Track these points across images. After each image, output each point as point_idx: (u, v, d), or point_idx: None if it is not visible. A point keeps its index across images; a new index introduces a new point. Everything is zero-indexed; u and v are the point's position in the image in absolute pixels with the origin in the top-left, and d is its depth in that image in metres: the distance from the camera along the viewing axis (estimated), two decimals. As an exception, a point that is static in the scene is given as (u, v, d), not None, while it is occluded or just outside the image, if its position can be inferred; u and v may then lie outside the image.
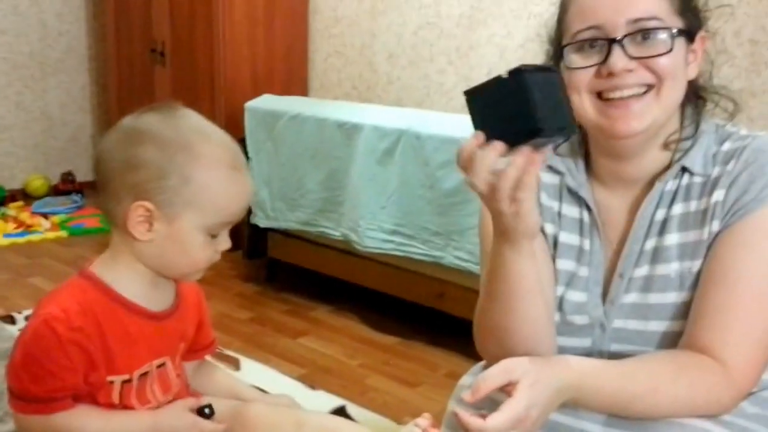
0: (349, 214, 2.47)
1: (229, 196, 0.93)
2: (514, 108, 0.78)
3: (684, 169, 1.01)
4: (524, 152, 0.80)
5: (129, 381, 0.93)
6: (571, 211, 1.10)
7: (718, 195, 0.98)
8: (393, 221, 2.35)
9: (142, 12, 3.50)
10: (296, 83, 3.46)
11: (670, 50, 0.95)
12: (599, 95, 0.97)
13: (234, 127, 3.10)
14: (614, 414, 0.93)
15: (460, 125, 2.33)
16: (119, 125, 0.98)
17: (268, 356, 2.25)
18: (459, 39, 2.97)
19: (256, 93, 3.04)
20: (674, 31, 0.95)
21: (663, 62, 0.95)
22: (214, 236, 0.95)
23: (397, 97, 3.20)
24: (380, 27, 3.23)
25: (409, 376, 2.13)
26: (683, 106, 1.03)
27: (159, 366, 0.97)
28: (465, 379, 1.08)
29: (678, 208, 1.02)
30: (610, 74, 0.95)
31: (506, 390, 0.84)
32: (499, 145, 0.80)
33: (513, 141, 0.79)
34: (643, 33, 0.94)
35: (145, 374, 0.95)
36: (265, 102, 2.85)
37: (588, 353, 1.06)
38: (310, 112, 2.63)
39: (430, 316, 2.36)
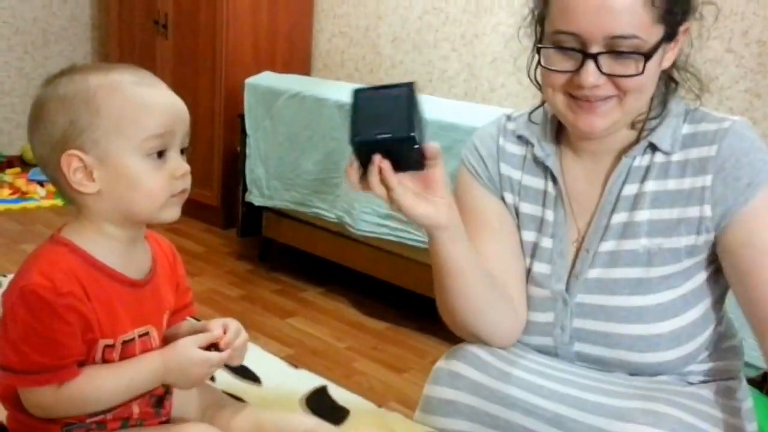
0: (344, 196, 2.45)
1: (143, 107, 0.88)
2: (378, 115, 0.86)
3: (653, 147, 1.02)
4: (374, 159, 0.87)
5: (112, 346, 0.92)
6: (533, 181, 1.10)
7: (704, 180, 0.99)
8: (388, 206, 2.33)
9: (146, -18, 3.46)
10: (299, 62, 3.43)
11: (642, 72, 0.95)
12: (569, 93, 0.99)
13: (234, 103, 3.09)
14: None
15: (459, 111, 2.31)
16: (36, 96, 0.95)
17: (257, 335, 2.24)
18: (464, 26, 2.94)
19: (258, 70, 3.01)
20: (648, 50, 0.95)
21: (631, 82, 0.96)
22: (158, 157, 0.90)
23: (399, 82, 3.16)
24: (386, 9, 3.19)
25: (396, 362, 2.12)
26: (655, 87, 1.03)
27: (142, 335, 0.96)
28: (441, 363, 1.08)
29: (651, 185, 1.02)
30: (579, 85, 0.96)
31: None
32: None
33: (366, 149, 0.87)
34: (617, 52, 0.94)
35: (128, 342, 0.94)
36: (266, 79, 2.82)
37: (550, 328, 1.07)
38: (310, 91, 2.61)
39: (421, 302, 2.35)
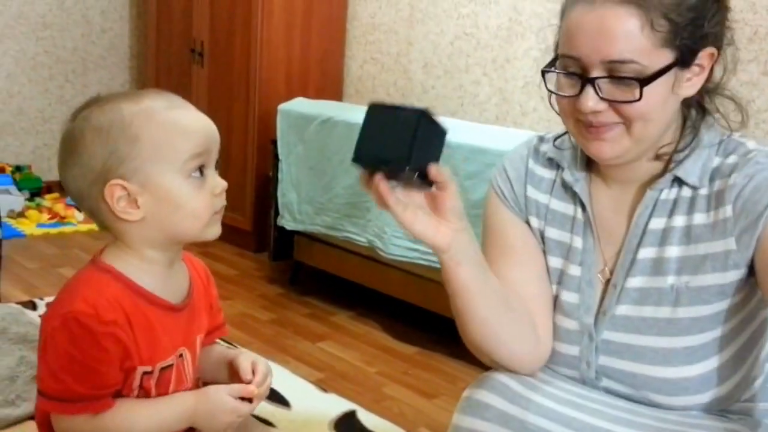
0: (375, 220, 2.46)
1: (179, 130, 0.90)
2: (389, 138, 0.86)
3: (679, 180, 0.99)
4: (377, 178, 0.88)
5: (150, 373, 0.92)
6: (561, 206, 1.08)
7: (726, 211, 0.95)
8: (419, 230, 2.33)
9: (183, 12, 3.54)
10: (331, 88, 3.47)
11: (639, 99, 0.92)
12: (578, 119, 0.98)
13: (266, 128, 3.13)
14: None
15: (491, 136, 2.31)
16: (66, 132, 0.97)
17: (287, 358, 2.24)
18: (495, 51, 2.95)
19: (290, 96, 3.05)
20: (648, 76, 0.91)
21: (631, 109, 0.93)
22: (198, 175, 0.91)
23: (431, 107, 3.17)
24: (417, 35, 3.22)
25: (427, 387, 2.10)
26: (684, 116, 1.01)
27: (178, 356, 0.97)
28: (469, 391, 1.05)
29: (680, 221, 0.99)
30: (581, 110, 0.95)
31: None
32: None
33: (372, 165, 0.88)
34: (616, 77, 0.92)
35: (165, 368, 0.94)
36: (298, 105, 2.86)
37: (576, 362, 1.04)
38: (342, 116, 2.63)
39: (452, 327, 2.33)
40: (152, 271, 0.94)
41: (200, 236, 0.94)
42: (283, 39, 3.27)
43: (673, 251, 0.98)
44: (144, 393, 0.93)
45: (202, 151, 0.92)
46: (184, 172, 0.90)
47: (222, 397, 0.95)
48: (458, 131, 2.31)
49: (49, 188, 4.06)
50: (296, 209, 2.78)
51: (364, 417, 1.17)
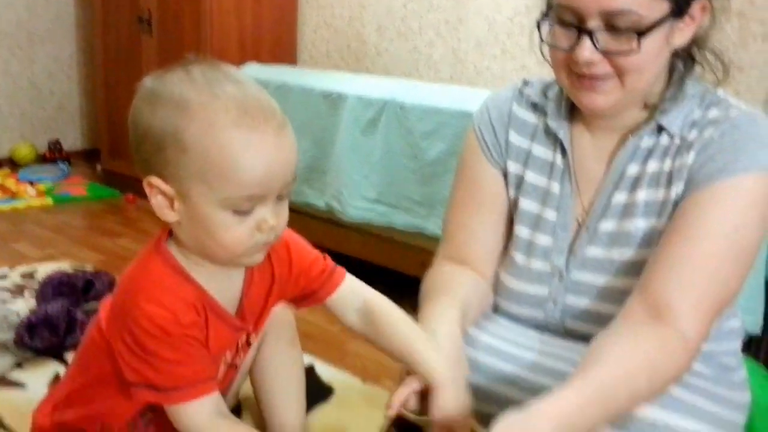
0: (332, 183, 2.47)
1: (234, 163, 0.77)
2: None
3: (661, 128, 1.01)
4: None
5: None
6: (542, 152, 1.09)
7: (688, 157, 0.97)
8: (376, 190, 2.35)
9: (129, -21, 3.46)
10: (284, 54, 3.43)
11: (636, 50, 0.92)
12: (571, 70, 0.98)
13: (221, 96, 3.09)
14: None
15: (445, 95, 2.33)
16: (140, 87, 0.84)
17: (250, 323, 2.25)
18: (448, 11, 2.95)
19: (243, 62, 3.02)
20: (646, 26, 0.91)
21: (627, 61, 0.94)
22: (245, 213, 0.79)
23: (385, 69, 3.18)
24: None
25: (389, 344, 2.14)
26: (671, 67, 1.02)
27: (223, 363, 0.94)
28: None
29: (652, 166, 1.01)
30: (576, 61, 0.95)
31: None
32: None
33: None
34: (613, 28, 0.92)
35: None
36: (251, 71, 2.83)
37: (543, 301, 1.06)
38: (297, 81, 2.62)
39: (414, 285, 2.36)
40: (210, 272, 0.86)
41: (235, 263, 0.86)
42: (233, 5, 3.22)
43: (642, 195, 1.00)
44: None
45: (254, 193, 0.79)
46: (224, 205, 0.79)
47: None
48: (413, 92, 2.33)
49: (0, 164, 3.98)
50: (254, 176, 2.76)
51: (322, 370, 1.18)
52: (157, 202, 0.81)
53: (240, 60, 3.17)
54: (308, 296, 1.00)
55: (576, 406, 0.83)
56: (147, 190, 0.81)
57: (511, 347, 1.05)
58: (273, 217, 0.82)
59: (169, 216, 0.81)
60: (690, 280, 0.92)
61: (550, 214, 1.07)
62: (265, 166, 0.79)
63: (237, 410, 1.05)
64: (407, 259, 2.33)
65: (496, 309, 1.14)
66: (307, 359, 1.15)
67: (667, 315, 0.91)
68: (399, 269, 2.37)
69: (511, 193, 1.12)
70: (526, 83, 1.14)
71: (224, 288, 0.89)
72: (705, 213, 0.94)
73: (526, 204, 1.09)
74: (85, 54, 4.33)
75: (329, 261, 1.00)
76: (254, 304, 0.93)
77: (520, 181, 1.10)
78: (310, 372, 1.15)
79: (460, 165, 1.16)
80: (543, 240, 1.07)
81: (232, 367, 0.96)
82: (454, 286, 1.06)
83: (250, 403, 1.04)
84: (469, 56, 2.92)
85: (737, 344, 1.08)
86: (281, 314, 1.12)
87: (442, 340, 0.95)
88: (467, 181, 1.14)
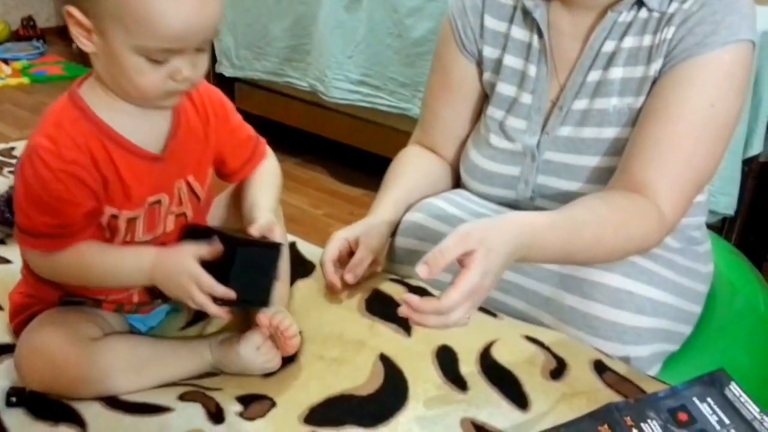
0: (315, 63, 2.40)
1: (157, 15, 0.76)
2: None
3: (641, 3, 0.98)
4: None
5: (116, 216, 0.88)
6: (520, 33, 1.08)
7: (668, 32, 0.96)
8: (360, 71, 2.29)
9: None
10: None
11: None
12: None
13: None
14: (554, 263, 0.95)
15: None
16: None
17: (234, 205, 2.25)
18: None
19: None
20: None
21: None
22: (159, 62, 0.79)
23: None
24: None
25: (372, 226, 2.16)
26: None
27: (152, 204, 0.90)
28: (405, 216, 1.13)
29: (629, 42, 0.99)
30: None
31: (460, 260, 0.78)
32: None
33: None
34: None
35: (132, 218, 0.89)
36: (229, -59, 2.68)
37: (515, 182, 1.08)
38: (277, -47, 2.49)
39: (397, 168, 2.36)
40: (125, 111, 0.85)
41: (148, 105, 0.85)
42: None
43: (617, 73, 1.00)
44: (111, 235, 0.90)
45: (170, 47, 0.78)
46: (139, 51, 0.78)
47: (183, 258, 0.84)
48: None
49: (-29, 43, 3.84)
50: (234, 54, 2.68)
51: (303, 247, 1.20)
52: (75, 31, 0.81)
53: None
54: (228, 174, 1.01)
55: (542, 225, 0.85)
56: (66, 18, 0.81)
57: (462, 212, 1.08)
58: (188, 69, 0.81)
59: (87, 47, 0.81)
60: (667, 160, 0.93)
61: (526, 98, 1.07)
62: (184, 21, 0.77)
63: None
64: (391, 142, 2.30)
65: (468, 190, 1.16)
66: (290, 238, 1.15)
67: (645, 192, 0.93)
68: (382, 153, 2.35)
69: (489, 77, 1.12)
70: None
71: (145, 129, 0.87)
72: (682, 90, 0.93)
73: (503, 87, 1.09)
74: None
75: (257, 142, 1.01)
76: (186, 146, 0.91)
77: (498, 65, 1.10)
78: (292, 247, 1.17)
79: (435, 52, 1.18)
80: (516, 123, 1.08)
81: (181, 216, 0.94)
82: (403, 176, 1.16)
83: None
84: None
85: (702, 218, 1.11)
86: (271, 160, 1.07)
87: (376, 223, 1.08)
88: (440, 70, 1.17)
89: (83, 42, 0.81)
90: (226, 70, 2.72)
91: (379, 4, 2.19)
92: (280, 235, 0.91)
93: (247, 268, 0.85)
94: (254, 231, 0.89)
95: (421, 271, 0.77)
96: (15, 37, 4.02)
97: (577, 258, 0.92)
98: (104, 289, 0.92)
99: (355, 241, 1.04)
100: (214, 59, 2.76)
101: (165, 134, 0.89)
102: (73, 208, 0.84)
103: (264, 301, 0.87)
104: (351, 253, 1.03)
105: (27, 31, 4.03)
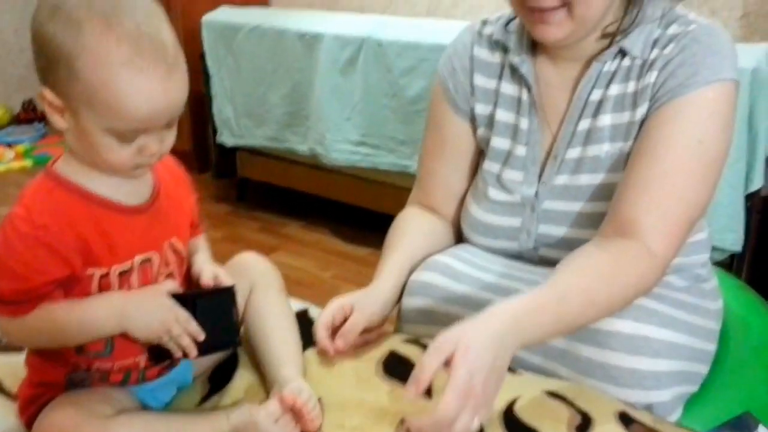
0: (314, 127, 2.44)
1: (124, 102, 0.80)
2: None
3: (623, 52, 1.01)
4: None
5: (106, 275, 0.88)
6: (510, 89, 1.10)
7: (651, 77, 0.98)
8: (359, 132, 2.33)
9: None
10: (256, -4, 3.34)
11: None
12: (524, 3, 0.98)
13: (193, 42, 3.00)
14: (558, 337, 0.94)
15: (422, 30, 2.28)
16: None
17: (241, 273, 2.26)
18: (421, -59, 2.87)
19: (215, 6, 2.93)
20: None
21: None
22: (128, 140, 0.83)
23: (360, 6, 3.11)
24: (340, -68, 3.10)
25: (381, 285, 2.15)
26: None
27: (143, 262, 0.91)
28: (413, 275, 1.12)
29: (615, 89, 1.02)
30: None
31: (446, 369, 0.77)
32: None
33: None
34: None
35: (126, 272, 0.90)
36: (224, 14, 2.76)
37: (516, 233, 1.09)
38: (270, 23, 2.56)
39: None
40: (102, 177, 0.87)
41: (119, 176, 0.88)
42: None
43: (606, 120, 1.02)
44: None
45: (137, 127, 0.82)
46: (113, 134, 0.82)
47: (159, 294, 0.87)
48: (390, 28, 2.28)
49: (-25, 128, 3.90)
50: (234, 124, 2.73)
51: (315, 312, 1.20)
52: (48, 110, 0.85)
53: (213, 4, 3.08)
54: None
55: (528, 309, 0.84)
56: (40, 99, 0.85)
57: (470, 268, 1.09)
58: (156, 144, 0.86)
59: (59, 123, 0.85)
60: (655, 196, 0.94)
61: (520, 150, 1.09)
62: (150, 108, 0.81)
63: (233, 362, 1.06)
64: (393, 200, 2.32)
65: (472, 245, 1.17)
66: (301, 304, 1.15)
67: (633, 231, 0.93)
68: (386, 211, 2.37)
69: (483, 132, 1.14)
70: (484, 23, 1.15)
71: (126, 188, 0.90)
72: (668, 129, 0.95)
73: (497, 141, 1.11)
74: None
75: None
76: (167, 206, 0.94)
77: (490, 121, 1.12)
78: (304, 315, 1.16)
79: (429, 112, 1.20)
80: (513, 175, 1.09)
81: (170, 276, 0.94)
82: (404, 239, 1.16)
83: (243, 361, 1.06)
84: (446, -13, 2.85)
85: (706, 255, 1.11)
86: (263, 263, 1.13)
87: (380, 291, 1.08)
88: (434, 129, 1.19)
89: (56, 119, 0.85)
90: (227, 139, 2.76)
91: (373, 66, 2.24)
92: (226, 277, 0.96)
93: (208, 315, 0.89)
94: (207, 281, 0.94)
95: (410, 393, 0.77)
96: (16, 120, 4.09)
97: (577, 324, 0.90)
98: (79, 343, 0.90)
99: (350, 307, 1.04)
100: (214, 130, 2.81)
101: (147, 193, 0.92)
102: (38, 275, 0.84)
103: (232, 340, 0.93)
104: (346, 320, 1.03)
105: (28, 114, 4.10)
